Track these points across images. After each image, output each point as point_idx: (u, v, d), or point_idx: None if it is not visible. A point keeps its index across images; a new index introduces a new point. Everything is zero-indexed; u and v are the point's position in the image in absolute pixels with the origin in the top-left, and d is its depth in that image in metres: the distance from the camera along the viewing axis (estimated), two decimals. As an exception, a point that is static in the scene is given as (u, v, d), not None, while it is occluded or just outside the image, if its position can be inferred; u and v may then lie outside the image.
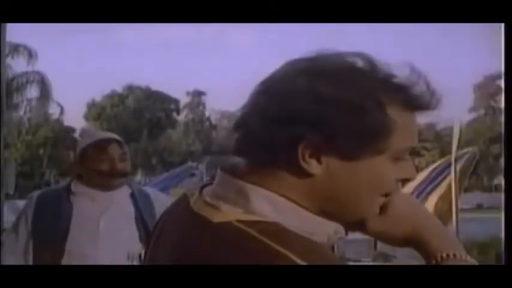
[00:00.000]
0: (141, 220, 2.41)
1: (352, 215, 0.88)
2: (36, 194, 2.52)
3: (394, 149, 0.83)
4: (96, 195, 2.42)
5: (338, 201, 0.85)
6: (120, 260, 2.29)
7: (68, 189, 2.46)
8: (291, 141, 0.80)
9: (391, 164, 0.84)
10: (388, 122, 0.81)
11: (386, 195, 0.88)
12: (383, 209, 0.90)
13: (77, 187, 2.46)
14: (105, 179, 2.41)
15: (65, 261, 2.29)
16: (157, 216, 2.41)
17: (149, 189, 2.73)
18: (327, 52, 0.86)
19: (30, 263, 2.38)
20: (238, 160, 0.87)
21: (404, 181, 0.90)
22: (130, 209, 2.44)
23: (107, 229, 2.36)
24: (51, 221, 2.37)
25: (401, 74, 0.84)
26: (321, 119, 0.80)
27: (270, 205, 0.83)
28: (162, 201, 2.48)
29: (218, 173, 0.89)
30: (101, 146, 2.43)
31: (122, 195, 2.46)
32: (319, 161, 0.81)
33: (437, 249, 0.90)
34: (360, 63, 0.84)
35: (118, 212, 2.42)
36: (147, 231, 2.35)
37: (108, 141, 2.45)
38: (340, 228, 0.88)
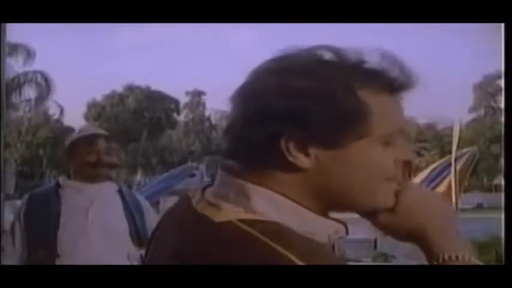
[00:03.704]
0: (129, 212, 2.54)
1: (360, 205, 0.88)
2: (27, 195, 2.66)
3: (379, 132, 0.83)
4: (83, 188, 2.55)
5: (339, 192, 0.85)
6: (111, 248, 2.40)
7: (56, 185, 2.59)
8: (271, 139, 0.82)
9: (382, 148, 0.84)
10: (361, 107, 0.82)
11: (390, 180, 0.87)
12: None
13: (65, 182, 2.59)
14: (92, 170, 2.55)
15: (59, 253, 2.38)
16: (145, 214, 2.61)
17: (136, 193, 2.95)
18: (295, 49, 0.87)
19: (27, 260, 2.45)
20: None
21: (406, 165, 0.89)
22: (118, 202, 2.57)
23: (96, 219, 2.46)
24: (43, 216, 2.48)
25: (373, 60, 0.85)
26: (295, 113, 0.81)
27: (271, 204, 0.83)
28: (147, 205, 2.68)
29: (218, 172, 0.90)
30: (88, 139, 2.60)
31: (109, 189, 2.60)
32: (306, 154, 0.82)
33: (439, 251, 0.89)
34: (327, 55, 0.85)
35: (106, 203, 2.54)
36: (135, 226, 2.51)
37: (96, 136, 2.63)
38: (341, 228, 0.88)
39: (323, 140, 0.82)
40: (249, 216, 0.81)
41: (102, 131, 2.76)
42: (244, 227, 0.79)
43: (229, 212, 0.82)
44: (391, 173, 0.87)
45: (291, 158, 0.82)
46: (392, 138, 0.86)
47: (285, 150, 0.82)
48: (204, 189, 0.91)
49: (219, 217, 0.82)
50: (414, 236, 0.92)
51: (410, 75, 0.85)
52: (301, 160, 0.82)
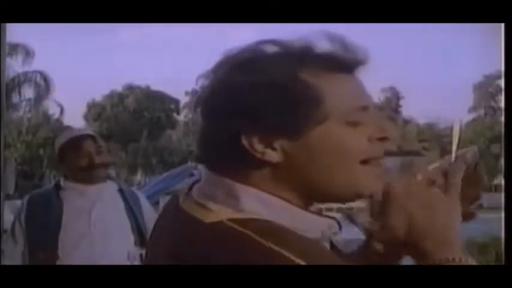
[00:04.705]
0: (131, 212, 2.53)
1: (341, 192, 0.86)
2: (26, 197, 2.62)
3: (338, 113, 0.83)
4: (84, 189, 2.52)
5: (317, 182, 0.84)
6: (113, 248, 2.39)
7: (57, 186, 2.56)
8: (232, 139, 0.82)
9: (349, 129, 0.84)
10: (310, 92, 0.82)
11: (369, 163, 0.85)
12: (381, 208, 0.89)
13: (65, 183, 2.56)
14: (87, 173, 2.52)
15: (60, 254, 2.37)
16: (144, 213, 2.60)
17: (136, 190, 2.93)
18: (239, 48, 0.88)
19: (27, 262, 2.43)
20: None
21: (384, 141, 0.86)
22: (120, 201, 2.55)
23: (99, 220, 2.45)
24: (44, 218, 2.46)
25: (319, 45, 0.85)
26: (246, 109, 0.81)
27: (261, 203, 0.83)
28: (146, 203, 2.66)
29: (205, 171, 0.89)
30: (75, 144, 2.53)
31: (110, 189, 2.58)
32: (272, 148, 0.82)
33: (431, 255, 0.87)
34: (271, 48, 0.86)
35: (108, 203, 2.52)
36: (137, 223, 2.50)
37: (82, 138, 2.56)
38: (333, 224, 0.88)
39: (282, 132, 0.82)
40: (240, 215, 0.81)
41: (87, 131, 2.71)
42: (235, 226, 0.79)
43: (220, 212, 0.82)
44: (368, 154, 0.85)
45: (258, 155, 0.82)
46: (356, 117, 0.84)
47: (249, 147, 0.82)
48: (191, 186, 0.91)
49: (209, 218, 0.82)
50: (405, 245, 0.89)
51: (357, 52, 0.86)
52: (270, 155, 0.82)
